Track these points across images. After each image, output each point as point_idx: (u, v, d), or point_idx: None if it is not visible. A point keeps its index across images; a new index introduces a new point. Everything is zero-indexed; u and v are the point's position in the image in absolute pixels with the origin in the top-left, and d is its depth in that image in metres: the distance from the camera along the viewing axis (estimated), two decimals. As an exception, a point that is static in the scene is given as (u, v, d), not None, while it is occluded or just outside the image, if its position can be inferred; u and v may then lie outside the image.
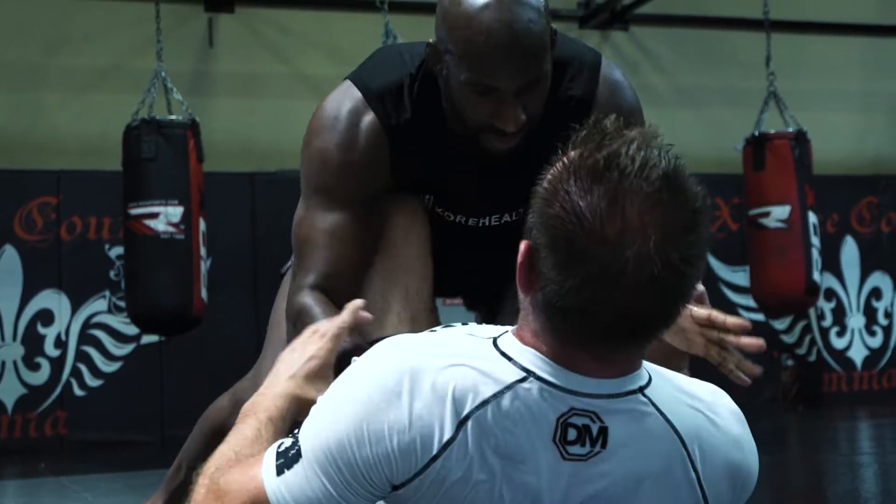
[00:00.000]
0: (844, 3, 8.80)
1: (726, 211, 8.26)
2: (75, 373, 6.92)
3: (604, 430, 1.36)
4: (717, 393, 1.54)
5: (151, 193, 5.68)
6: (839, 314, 8.52)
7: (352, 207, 1.96)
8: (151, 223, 5.65)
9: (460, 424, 1.32)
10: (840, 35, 8.78)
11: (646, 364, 1.43)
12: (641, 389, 1.40)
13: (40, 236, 6.92)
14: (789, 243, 6.61)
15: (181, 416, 7.03)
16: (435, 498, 1.34)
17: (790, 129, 6.84)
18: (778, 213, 6.65)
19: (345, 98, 2.00)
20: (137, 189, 5.73)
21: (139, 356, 7.03)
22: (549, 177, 1.33)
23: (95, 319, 6.98)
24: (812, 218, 6.71)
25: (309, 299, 1.91)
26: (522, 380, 1.35)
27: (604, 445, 1.36)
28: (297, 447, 1.36)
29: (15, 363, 6.82)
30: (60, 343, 6.91)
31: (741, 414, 1.52)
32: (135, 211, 5.70)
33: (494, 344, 1.40)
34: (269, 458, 1.37)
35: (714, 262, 8.14)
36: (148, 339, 6.94)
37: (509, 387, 1.35)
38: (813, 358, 8.44)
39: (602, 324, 1.30)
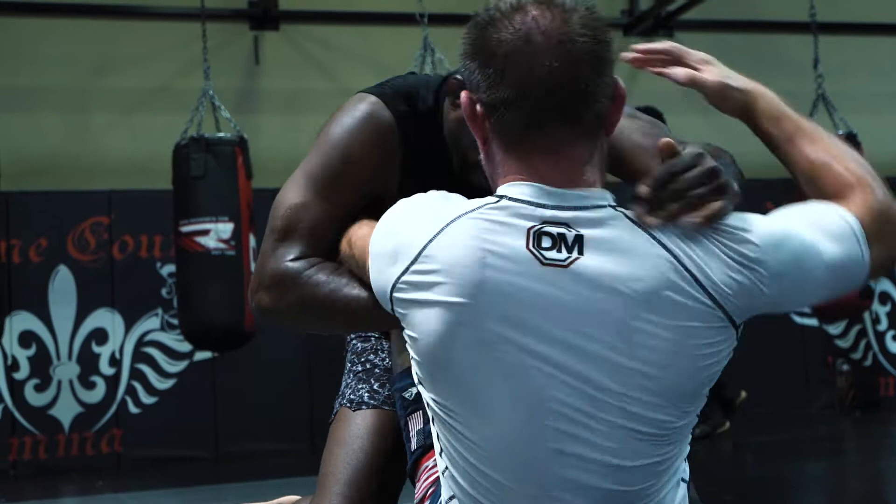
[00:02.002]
0: (892, 3, 8.70)
1: (777, 216, 8.19)
2: (130, 391, 6.99)
3: (579, 238, 1.45)
4: None
5: (202, 211, 5.73)
6: (895, 317, 8.40)
7: (351, 199, 1.95)
8: (202, 240, 5.70)
9: (441, 230, 1.49)
10: (888, 36, 8.69)
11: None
12: (614, 207, 1.49)
13: (93, 256, 7.00)
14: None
15: (235, 432, 7.10)
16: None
17: (840, 132, 6.77)
18: (830, 217, 6.58)
19: (364, 100, 2.03)
20: (188, 207, 5.78)
21: (192, 373, 7.08)
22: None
23: (149, 337, 7.05)
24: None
25: (297, 264, 1.90)
26: (496, 201, 1.49)
27: (581, 252, 1.44)
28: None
29: (71, 382, 6.90)
30: (115, 361, 6.98)
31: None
32: (186, 228, 5.75)
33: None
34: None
35: (765, 268, 8.06)
36: (201, 355, 6.99)
37: (484, 205, 1.50)
38: (869, 362, 8.33)
39: (533, 104, 1.46)
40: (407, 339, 1.55)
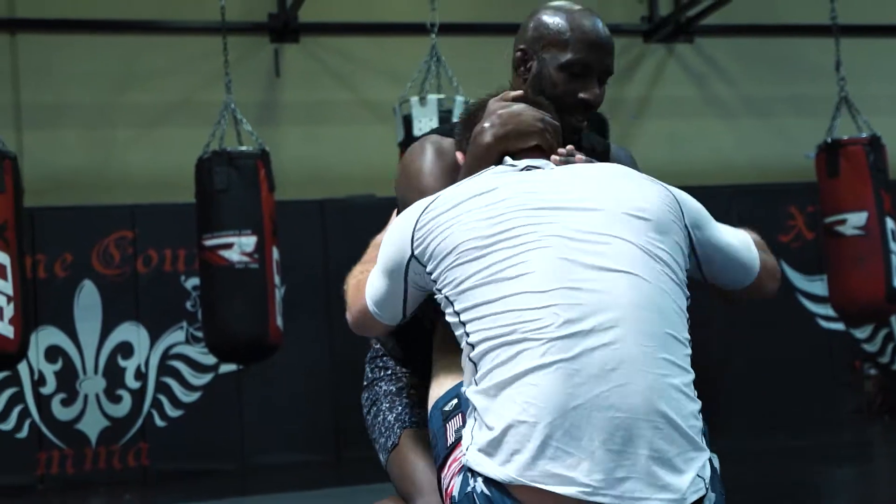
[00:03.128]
0: (914, 5, 8.66)
1: (801, 220, 8.15)
2: (156, 404, 7.01)
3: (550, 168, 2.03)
4: None
5: (225, 224, 5.74)
6: (922, 321, 8.34)
7: None
8: (226, 253, 5.71)
9: (433, 199, 1.98)
10: (910, 37, 8.64)
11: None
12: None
13: (118, 270, 7.03)
14: (868, 250, 6.49)
15: (261, 444, 7.11)
16: None
17: (863, 135, 6.73)
18: (855, 220, 6.54)
19: (425, 138, 2.38)
20: (211, 220, 5.80)
21: (218, 385, 7.10)
22: None
23: (174, 350, 7.07)
24: (890, 224, 6.58)
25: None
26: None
27: (552, 169, 2.00)
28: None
29: (97, 396, 6.93)
30: (140, 375, 7.01)
31: None
32: (209, 242, 5.76)
33: None
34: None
35: (790, 272, 8.03)
36: (226, 368, 7.01)
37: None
38: (896, 366, 8.27)
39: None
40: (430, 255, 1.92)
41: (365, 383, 2.50)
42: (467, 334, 1.86)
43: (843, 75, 6.90)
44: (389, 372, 2.47)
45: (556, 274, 1.80)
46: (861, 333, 8.15)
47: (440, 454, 2.01)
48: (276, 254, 5.84)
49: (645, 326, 1.78)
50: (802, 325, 8.05)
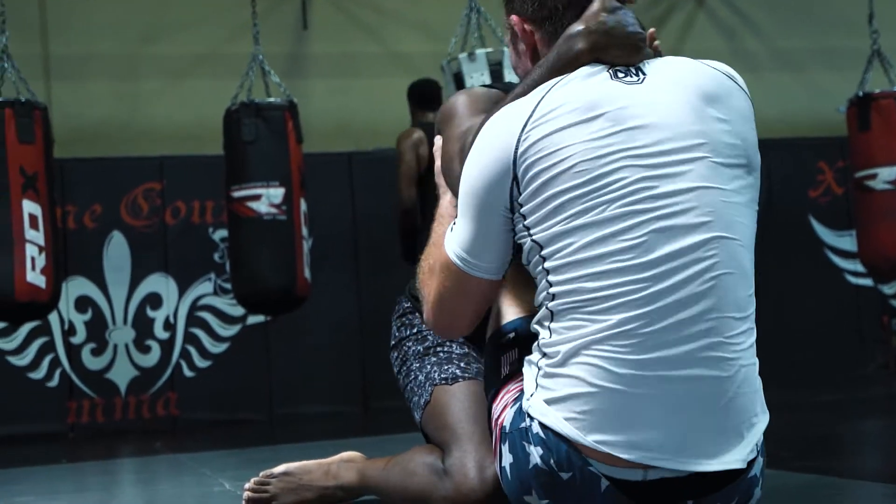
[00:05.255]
0: (949, -44, 8.53)
1: (830, 175, 8.09)
2: (184, 354, 7.08)
3: (639, 68, 1.88)
4: None
5: (253, 176, 5.75)
6: (951, 277, 8.29)
7: None
8: (254, 205, 5.73)
9: (535, 107, 1.83)
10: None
11: None
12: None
13: (146, 221, 7.07)
14: (898, 205, 6.45)
15: (288, 394, 7.17)
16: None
17: (895, 88, 6.67)
18: (886, 175, 6.48)
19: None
20: (239, 172, 5.81)
21: (246, 336, 7.16)
22: None
23: (202, 302, 7.12)
24: (921, 179, 6.53)
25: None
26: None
27: (645, 74, 1.87)
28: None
29: (126, 346, 7.00)
30: (169, 326, 7.07)
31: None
32: (237, 194, 5.78)
33: None
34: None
35: (819, 228, 7.99)
36: (254, 319, 7.05)
37: (559, 79, 1.89)
38: (924, 322, 8.24)
39: (578, 10, 1.95)
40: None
41: (392, 342, 2.51)
42: (550, 284, 1.79)
43: (876, 28, 6.82)
44: (415, 331, 2.48)
45: (659, 244, 1.74)
46: (889, 289, 8.11)
47: (491, 385, 2.01)
48: (303, 206, 5.86)
49: (736, 293, 1.80)
50: (831, 281, 8.02)
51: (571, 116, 1.78)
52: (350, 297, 7.24)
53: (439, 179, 2.20)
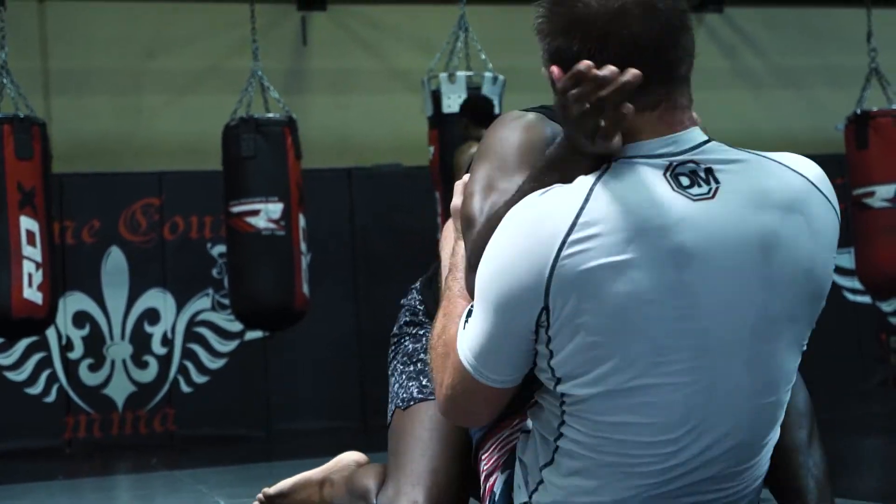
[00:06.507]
0: (947, -25, 8.55)
1: (829, 192, 8.09)
2: (182, 370, 7.06)
3: (709, 170, 1.55)
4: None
5: (252, 191, 5.76)
6: (950, 294, 8.29)
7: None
8: (252, 220, 5.73)
9: (574, 220, 1.50)
10: (943, 7, 8.54)
11: None
12: (709, 140, 1.61)
13: (145, 237, 7.07)
14: (896, 223, 6.46)
15: (286, 411, 7.15)
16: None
17: (893, 107, 6.68)
18: (883, 193, 6.50)
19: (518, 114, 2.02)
20: (238, 187, 5.82)
21: (244, 352, 7.14)
22: None
23: (200, 317, 7.11)
24: (919, 196, 6.54)
25: None
26: (607, 167, 1.55)
27: (717, 181, 1.55)
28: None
29: (124, 362, 6.99)
30: (167, 341, 7.06)
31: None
32: (236, 209, 5.79)
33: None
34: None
35: (817, 245, 7.99)
36: (252, 335, 7.04)
37: (604, 171, 1.55)
38: (923, 340, 8.23)
39: (639, 67, 1.51)
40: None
41: (395, 329, 2.40)
42: (563, 422, 1.61)
43: (875, 46, 6.84)
44: (416, 330, 2.36)
45: (685, 418, 1.59)
46: (888, 306, 8.11)
47: (476, 431, 1.94)
48: (302, 221, 5.86)
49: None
50: (829, 298, 7.98)
51: (618, 248, 1.49)
52: (348, 313, 7.24)
53: (457, 222, 1.85)
